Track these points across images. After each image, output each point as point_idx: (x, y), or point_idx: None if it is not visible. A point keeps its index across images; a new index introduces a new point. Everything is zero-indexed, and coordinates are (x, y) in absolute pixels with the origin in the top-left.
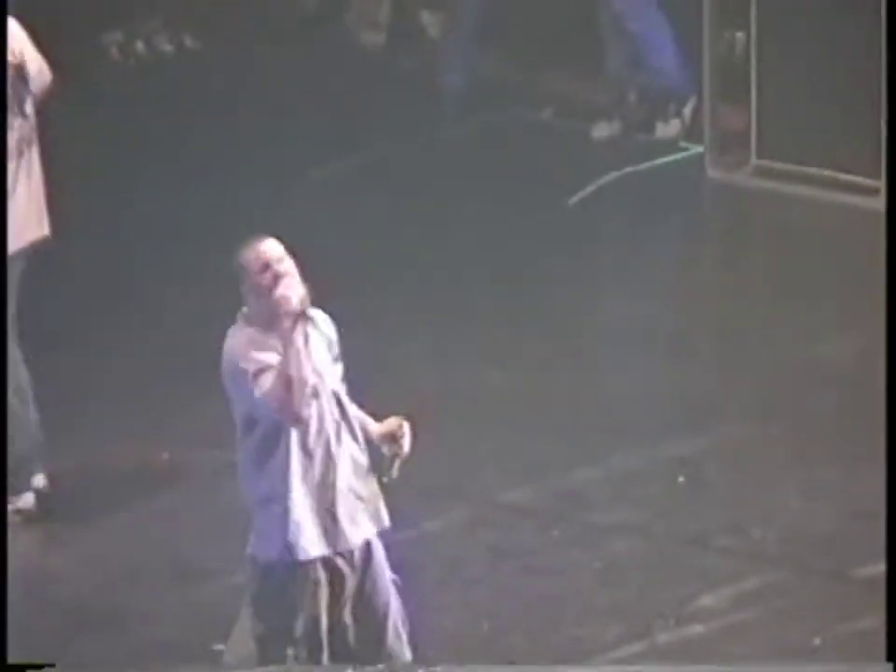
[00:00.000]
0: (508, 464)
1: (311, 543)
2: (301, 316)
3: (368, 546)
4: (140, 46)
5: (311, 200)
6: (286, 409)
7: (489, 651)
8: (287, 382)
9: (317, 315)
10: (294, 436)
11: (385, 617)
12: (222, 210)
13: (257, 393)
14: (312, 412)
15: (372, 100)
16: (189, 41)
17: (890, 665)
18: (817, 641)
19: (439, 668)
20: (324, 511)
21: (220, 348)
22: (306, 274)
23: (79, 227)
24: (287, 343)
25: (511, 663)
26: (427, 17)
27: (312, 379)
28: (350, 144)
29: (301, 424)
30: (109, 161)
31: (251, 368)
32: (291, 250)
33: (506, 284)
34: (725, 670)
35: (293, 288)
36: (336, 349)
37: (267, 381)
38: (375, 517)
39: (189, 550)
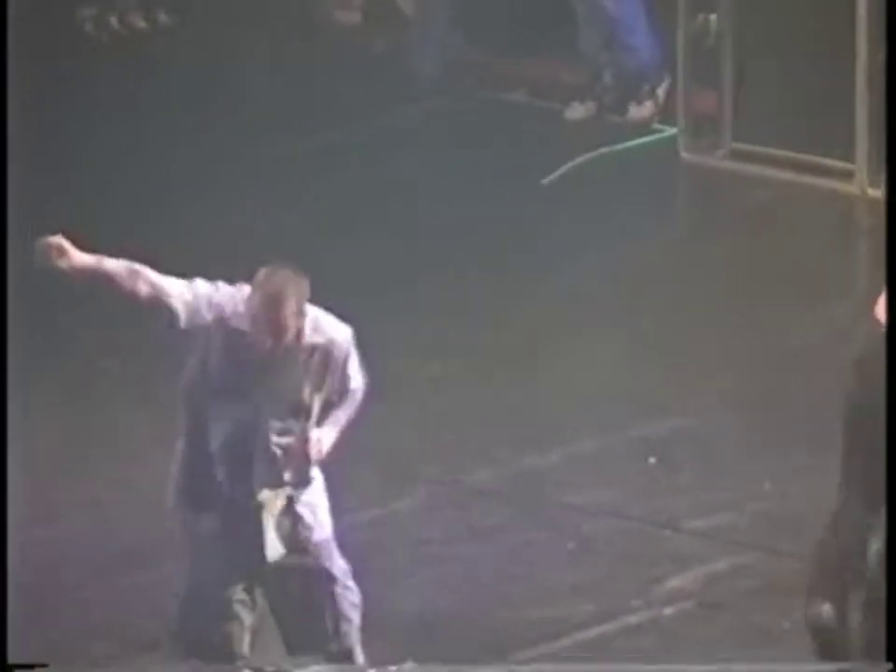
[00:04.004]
0: (479, 445)
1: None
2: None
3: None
4: (114, 21)
5: (283, 178)
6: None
7: (456, 633)
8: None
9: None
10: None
11: (319, 617)
12: (194, 189)
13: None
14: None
15: (347, 79)
16: (163, 17)
17: (890, 665)
18: (786, 624)
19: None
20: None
21: None
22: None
23: (39, 204)
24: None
25: (477, 644)
26: None
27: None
28: (324, 122)
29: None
30: (82, 135)
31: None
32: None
33: (481, 264)
34: (725, 669)
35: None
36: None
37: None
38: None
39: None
